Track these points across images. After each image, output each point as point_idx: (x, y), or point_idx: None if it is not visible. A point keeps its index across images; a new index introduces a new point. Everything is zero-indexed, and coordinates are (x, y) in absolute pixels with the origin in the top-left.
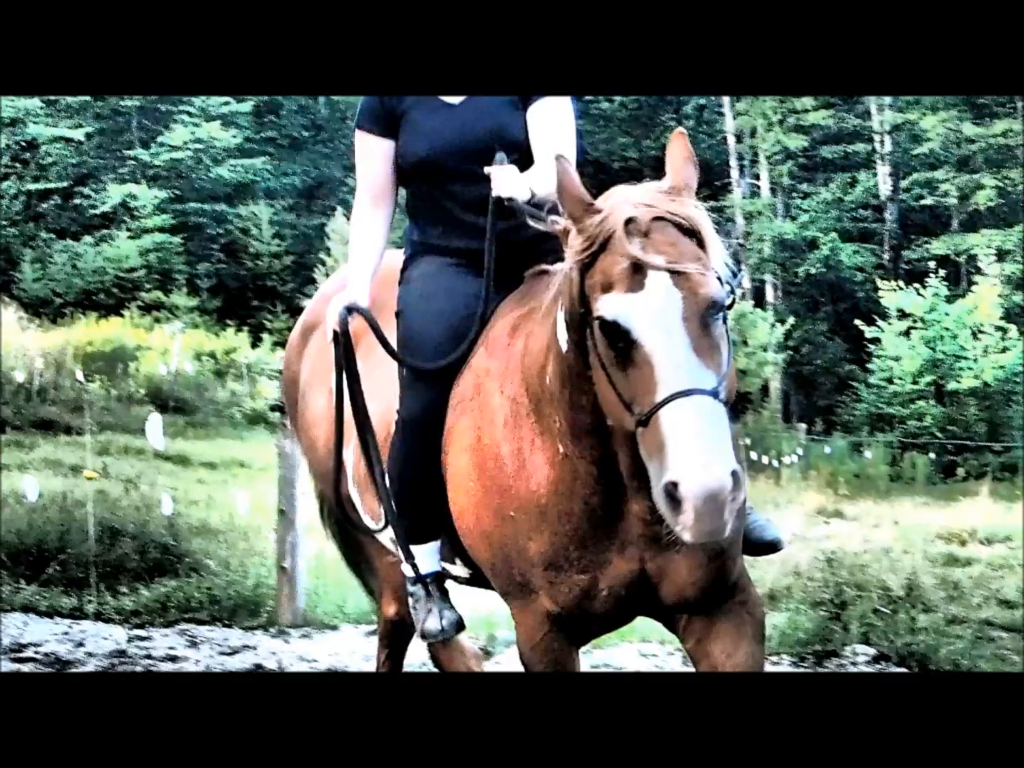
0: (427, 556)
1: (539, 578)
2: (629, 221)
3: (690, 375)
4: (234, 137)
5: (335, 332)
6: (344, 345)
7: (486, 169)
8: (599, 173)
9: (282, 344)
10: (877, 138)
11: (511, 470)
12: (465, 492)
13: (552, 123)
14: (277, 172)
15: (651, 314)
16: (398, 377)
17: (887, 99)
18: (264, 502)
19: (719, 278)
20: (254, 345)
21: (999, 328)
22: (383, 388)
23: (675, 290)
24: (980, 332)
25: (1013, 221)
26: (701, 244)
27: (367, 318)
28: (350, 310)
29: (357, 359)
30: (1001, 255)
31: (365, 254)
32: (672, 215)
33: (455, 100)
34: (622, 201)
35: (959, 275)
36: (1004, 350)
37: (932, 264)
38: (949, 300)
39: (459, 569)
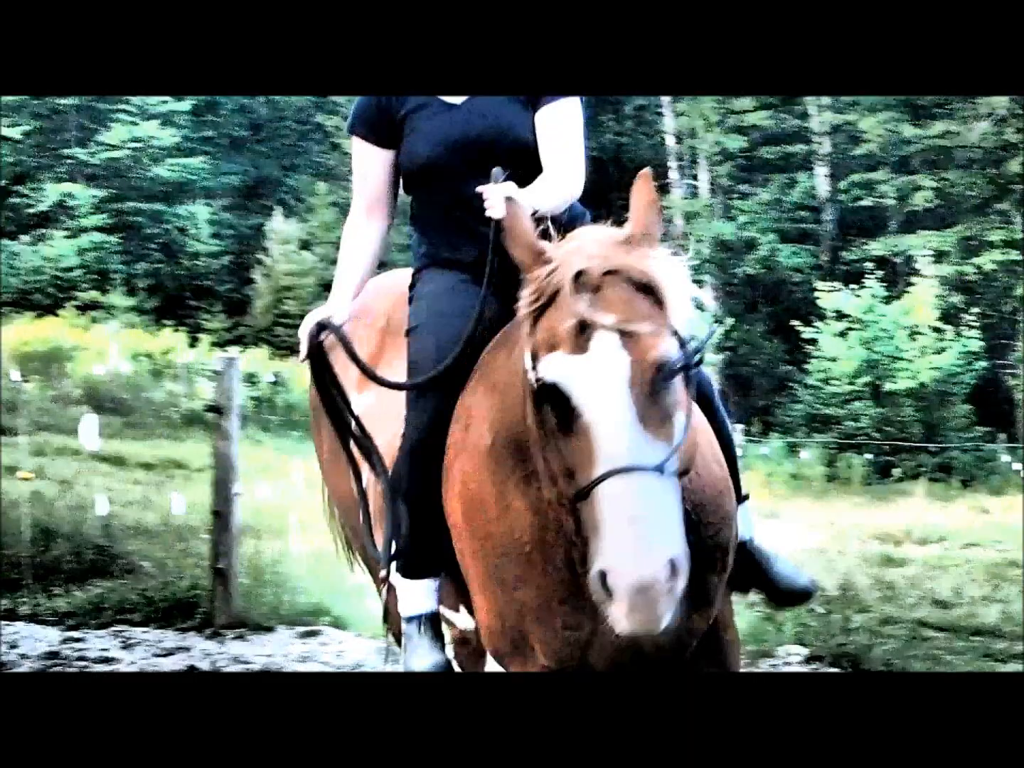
0: (421, 593)
1: (533, 632)
2: (579, 275)
3: (631, 450)
4: (172, 136)
5: (307, 351)
6: (317, 364)
7: (478, 188)
8: None
9: (220, 344)
10: (816, 139)
11: (494, 515)
12: (458, 538)
13: (561, 130)
14: (216, 172)
15: (594, 379)
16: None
17: (826, 100)
18: (200, 503)
19: (681, 338)
20: (191, 345)
21: (935, 329)
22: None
23: (623, 353)
24: (917, 333)
25: (951, 222)
26: (659, 301)
27: (339, 336)
28: (321, 327)
29: (340, 377)
30: (938, 256)
31: (351, 268)
32: (626, 268)
33: (456, 100)
34: (574, 251)
35: (896, 276)
36: (940, 351)
37: (870, 265)
38: (886, 301)
39: (463, 619)
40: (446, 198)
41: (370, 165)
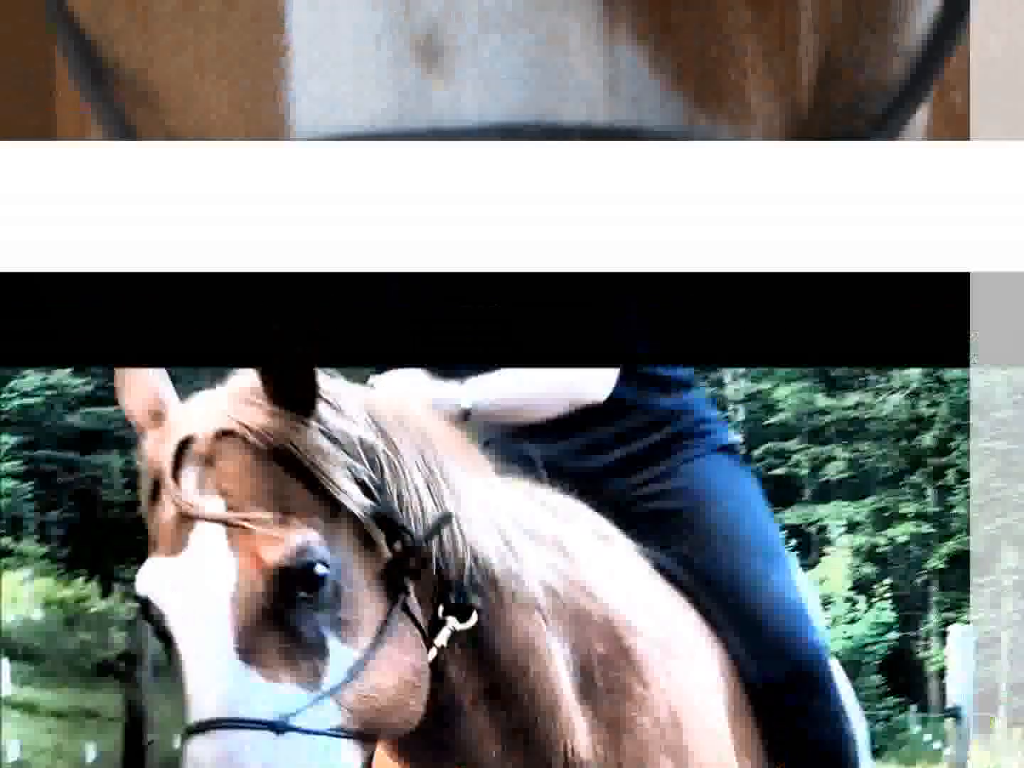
0: None
1: None
2: (184, 443)
3: (224, 697)
4: (86, 384)
5: None
6: None
7: (372, 377)
8: None
9: (133, 596)
10: (731, 407)
11: None
12: None
13: None
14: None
15: (186, 592)
16: None
17: (741, 368)
18: (113, 752)
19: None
20: (104, 595)
21: (848, 599)
22: None
23: (228, 554)
24: (829, 602)
25: (864, 493)
26: (303, 476)
27: None
28: None
29: None
30: (851, 526)
31: None
32: (250, 429)
33: None
34: (194, 407)
35: (810, 545)
36: (853, 621)
37: (784, 534)
38: (801, 569)
39: None
40: None
41: None
